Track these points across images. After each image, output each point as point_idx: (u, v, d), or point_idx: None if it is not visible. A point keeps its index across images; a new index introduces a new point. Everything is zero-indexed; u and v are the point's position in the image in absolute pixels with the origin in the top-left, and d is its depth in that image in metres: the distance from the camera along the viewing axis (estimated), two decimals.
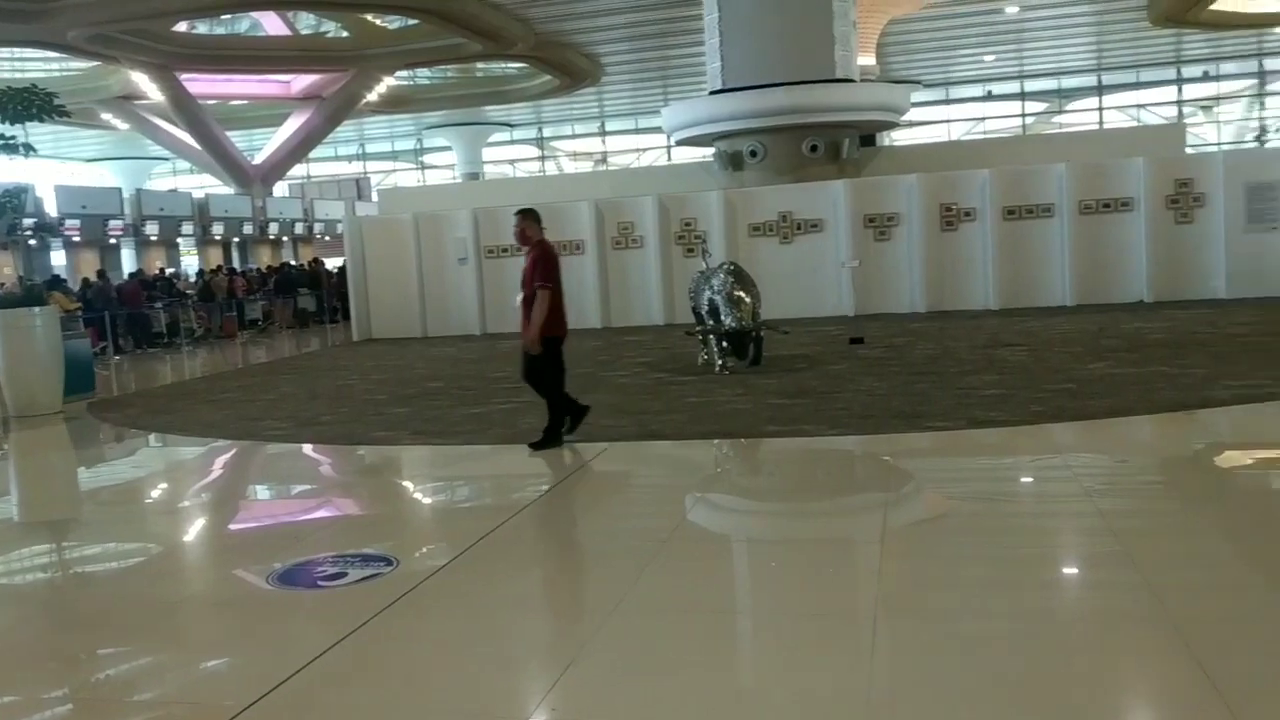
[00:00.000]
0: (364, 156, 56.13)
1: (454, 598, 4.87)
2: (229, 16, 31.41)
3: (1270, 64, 48.99)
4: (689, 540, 5.78)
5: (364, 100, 35.17)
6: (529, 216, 7.97)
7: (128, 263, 30.78)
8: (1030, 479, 6.81)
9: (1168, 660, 3.70)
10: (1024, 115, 53.23)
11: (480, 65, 37.89)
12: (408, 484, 8.09)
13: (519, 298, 7.89)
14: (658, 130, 32.88)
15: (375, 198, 35.45)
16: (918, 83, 43.59)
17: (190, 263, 33.87)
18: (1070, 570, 5.02)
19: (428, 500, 7.59)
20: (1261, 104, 51.13)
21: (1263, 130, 47.48)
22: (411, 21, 29.53)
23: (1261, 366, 9.54)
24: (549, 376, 7.87)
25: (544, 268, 7.69)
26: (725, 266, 11.86)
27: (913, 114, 34.85)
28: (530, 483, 7.36)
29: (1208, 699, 3.33)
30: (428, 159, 56.49)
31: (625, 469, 7.76)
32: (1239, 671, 3.53)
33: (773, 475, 7.60)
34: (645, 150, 52.97)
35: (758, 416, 8.70)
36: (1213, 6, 33.50)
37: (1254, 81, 51.13)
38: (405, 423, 9.66)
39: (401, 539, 6.16)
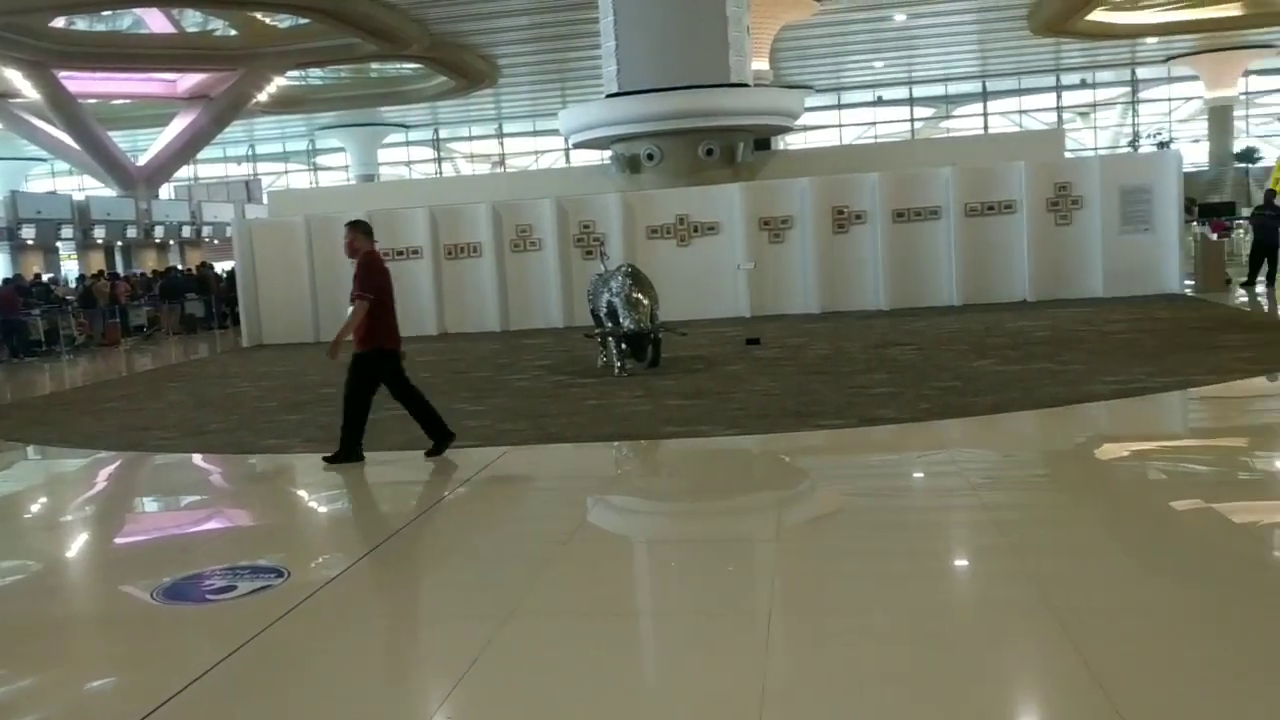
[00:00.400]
0: (254, 158, 54.78)
1: (347, 608, 4.80)
2: (110, 13, 30.36)
3: (1142, 73, 51.18)
4: (588, 543, 5.80)
5: (253, 100, 34.34)
6: (358, 229, 7.91)
7: (2, 268, 29.50)
8: (919, 475, 7.00)
9: (1049, 649, 3.85)
10: (913, 120, 54.62)
11: (375, 66, 37.34)
12: (301, 493, 7.93)
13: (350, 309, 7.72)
14: (556, 132, 32.82)
15: (266, 200, 34.62)
16: (810, 88, 44.39)
17: (70, 268, 32.61)
18: (957, 563, 5.18)
19: (322, 509, 7.46)
20: (1134, 111, 53.38)
21: (1136, 136, 49.54)
22: (303, 20, 28.94)
23: (1136, 362, 9.97)
24: (362, 388, 7.65)
25: (370, 279, 7.60)
26: (623, 269, 11.92)
27: (806, 118, 35.49)
28: (427, 489, 7.29)
29: (1087, 686, 3.47)
30: (321, 160, 55.39)
31: (524, 473, 7.74)
32: (1115, 658, 3.68)
33: (671, 476, 7.66)
34: (544, 152, 52.85)
35: (656, 418, 8.76)
36: (1088, 17, 34.85)
37: (1127, 89, 53.32)
38: (297, 430, 9.48)
39: (294, 550, 6.05)
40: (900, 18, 36.28)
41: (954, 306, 16.38)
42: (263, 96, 34.34)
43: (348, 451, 7.71)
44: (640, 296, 11.23)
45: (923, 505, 6.35)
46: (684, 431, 8.22)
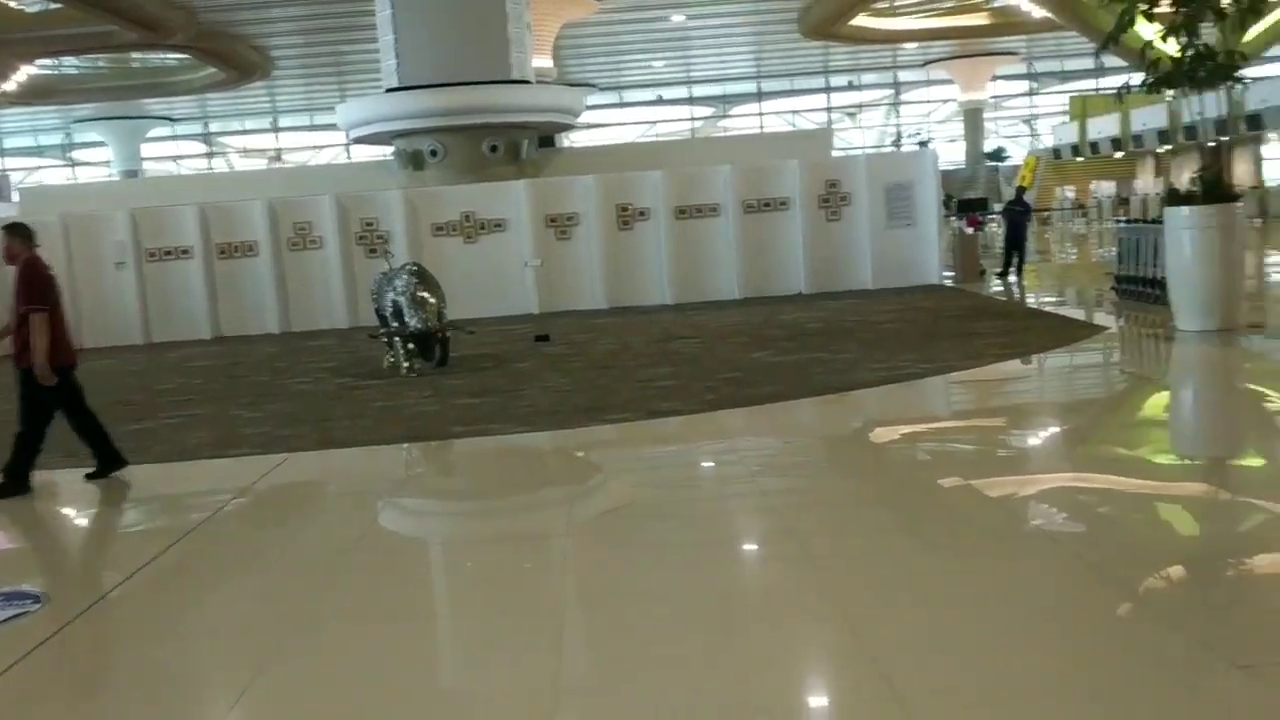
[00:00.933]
0: (2, 152, 50.54)
1: (114, 632, 4.53)
2: None
3: (904, 76, 54.38)
4: (376, 548, 5.69)
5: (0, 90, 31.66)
6: (15, 233, 7.14)
7: None
8: (704, 464, 7.23)
9: (828, 627, 4.06)
10: (693, 119, 56.04)
11: (136, 55, 35.13)
12: (63, 511, 7.40)
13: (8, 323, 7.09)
14: (336, 127, 31.88)
15: (16, 197, 32.01)
16: (592, 86, 44.82)
17: None
18: (740, 548, 5.37)
19: (85, 528, 6.98)
20: (897, 112, 56.66)
21: (899, 136, 52.60)
22: (54, 5, 26.88)
23: (901, 350, 10.61)
24: (43, 409, 7.03)
25: (33, 289, 6.89)
26: (408, 267, 11.72)
27: (590, 116, 35.83)
28: (201, 501, 6.94)
29: (864, 665, 3.69)
30: (78, 155, 51.67)
31: (306, 480, 7.51)
32: (889, 633, 3.93)
33: (461, 476, 7.61)
34: (323, 148, 51.16)
35: (445, 418, 8.67)
36: (852, 22, 36.72)
37: (890, 92, 56.54)
38: (57, 444, 8.79)
39: (54, 573, 5.65)
40: (678, 19, 37.17)
41: (735, 300, 16.93)
42: (10, 86, 31.69)
43: (17, 483, 6.98)
44: (426, 295, 11.08)
45: (708, 494, 6.56)
46: (473, 431, 8.17)
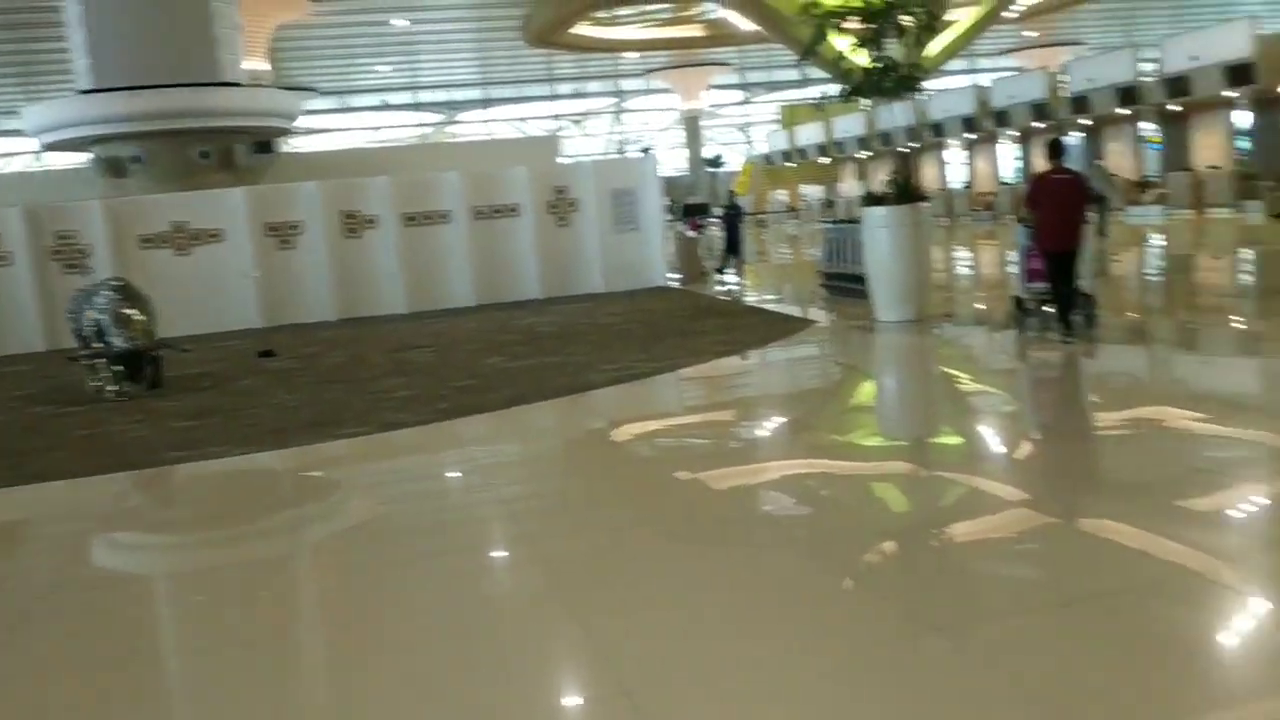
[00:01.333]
0: None
1: None
2: None
3: (626, 84, 55.85)
4: (80, 591, 5.25)
5: None
6: None
7: None
8: (441, 474, 7.15)
9: (562, 629, 4.12)
10: (421, 125, 55.24)
11: None
12: None
13: None
14: (23, 133, 29.11)
15: None
16: (313, 90, 43.28)
17: None
18: (481, 556, 5.33)
19: None
20: (620, 119, 58.10)
21: (623, 143, 53.98)
22: None
23: (631, 350, 10.91)
24: None
25: None
26: (110, 283, 10.90)
27: (314, 121, 34.56)
28: None
29: (597, 665, 3.77)
30: None
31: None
32: (616, 630, 4.03)
33: (177, 505, 7.15)
34: (12, 155, 46.69)
35: (158, 444, 8.11)
36: (574, 31, 37.38)
37: (614, 100, 57.91)
38: None
39: None
40: (400, 23, 36.55)
41: (470, 307, 16.83)
42: None
43: None
44: (132, 312, 10.33)
45: (445, 505, 6.48)
46: (190, 455, 7.68)
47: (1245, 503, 5.03)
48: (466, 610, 4.35)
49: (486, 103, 55.17)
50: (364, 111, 53.23)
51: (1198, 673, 3.35)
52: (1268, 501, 5.02)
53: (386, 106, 53.57)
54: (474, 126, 55.34)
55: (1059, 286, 9.54)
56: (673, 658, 3.69)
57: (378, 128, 54.30)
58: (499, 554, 5.30)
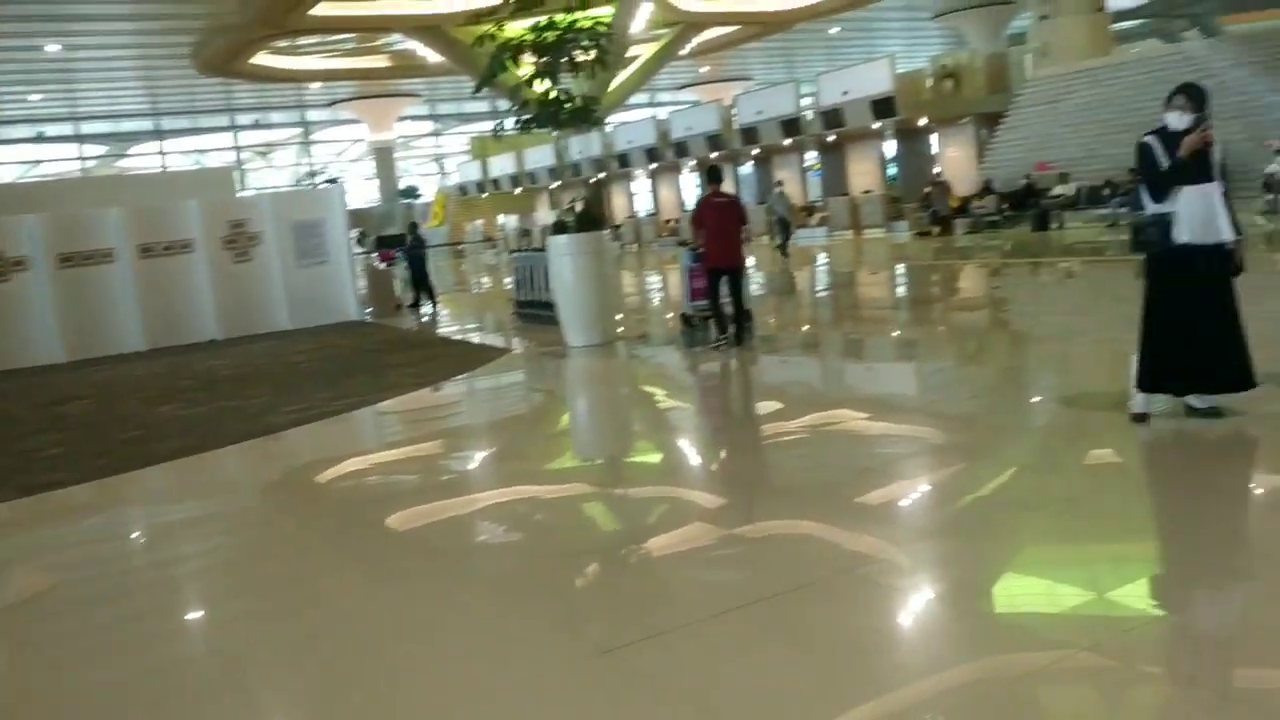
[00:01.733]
0: None
1: None
2: None
3: (311, 115, 54.14)
4: None
5: None
6: None
7: None
8: (95, 540, 6.52)
9: (286, 676, 3.88)
10: (83, 158, 51.10)
11: None
12: None
13: None
14: None
15: None
16: None
17: None
18: (158, 625, 4.87)
19: None
20: (309, 151, 56.23)
21: (312, 174, 52.27)
22: None
23: (318, 389, 10.51)
24: None
25: None
26: None
27: None
28: None
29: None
30: None
31: None
32: (333, 668, 3.84)
33: None
34: None
35: None
36: (253, 60, 35.84)
37: (300, 130, 55.99)
38: None
39: None
40: (54, 48, 33.69)
41: (141, 352, 15.67)
42: None
43: None
44: None
45: (109, 572, 5.88)
46: None
47: (912, 495, 5.48)
48: (155, 678, 4.02)
49: (160, 134, 51.76)
50: (16, 144, 48.51)
51: (869, 660, 3.61)
52: (930, 489, 5.51)
53: (42, 139, 49.11)
54: (148, 159, 51.77)
55: (717, 302, 10.32)
56: (375, 699, 3.57)
57: (37, 162, 49.71)
58: (166, 624, 4.90)
